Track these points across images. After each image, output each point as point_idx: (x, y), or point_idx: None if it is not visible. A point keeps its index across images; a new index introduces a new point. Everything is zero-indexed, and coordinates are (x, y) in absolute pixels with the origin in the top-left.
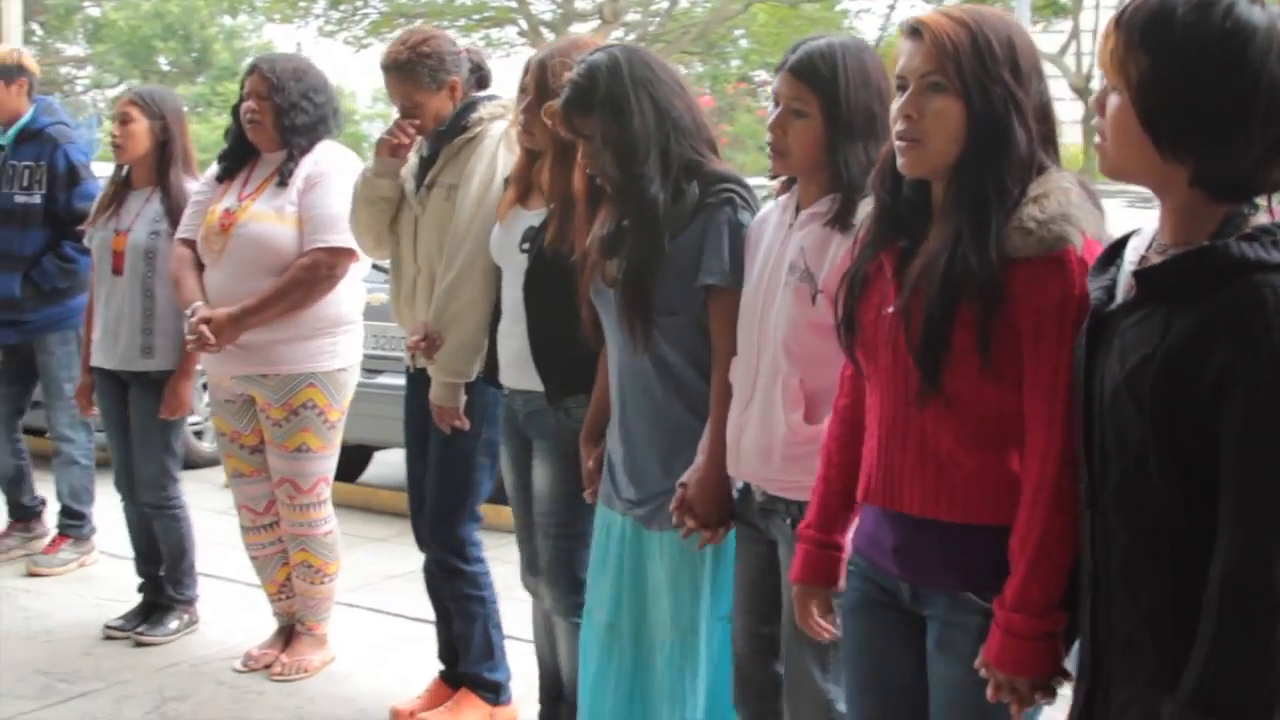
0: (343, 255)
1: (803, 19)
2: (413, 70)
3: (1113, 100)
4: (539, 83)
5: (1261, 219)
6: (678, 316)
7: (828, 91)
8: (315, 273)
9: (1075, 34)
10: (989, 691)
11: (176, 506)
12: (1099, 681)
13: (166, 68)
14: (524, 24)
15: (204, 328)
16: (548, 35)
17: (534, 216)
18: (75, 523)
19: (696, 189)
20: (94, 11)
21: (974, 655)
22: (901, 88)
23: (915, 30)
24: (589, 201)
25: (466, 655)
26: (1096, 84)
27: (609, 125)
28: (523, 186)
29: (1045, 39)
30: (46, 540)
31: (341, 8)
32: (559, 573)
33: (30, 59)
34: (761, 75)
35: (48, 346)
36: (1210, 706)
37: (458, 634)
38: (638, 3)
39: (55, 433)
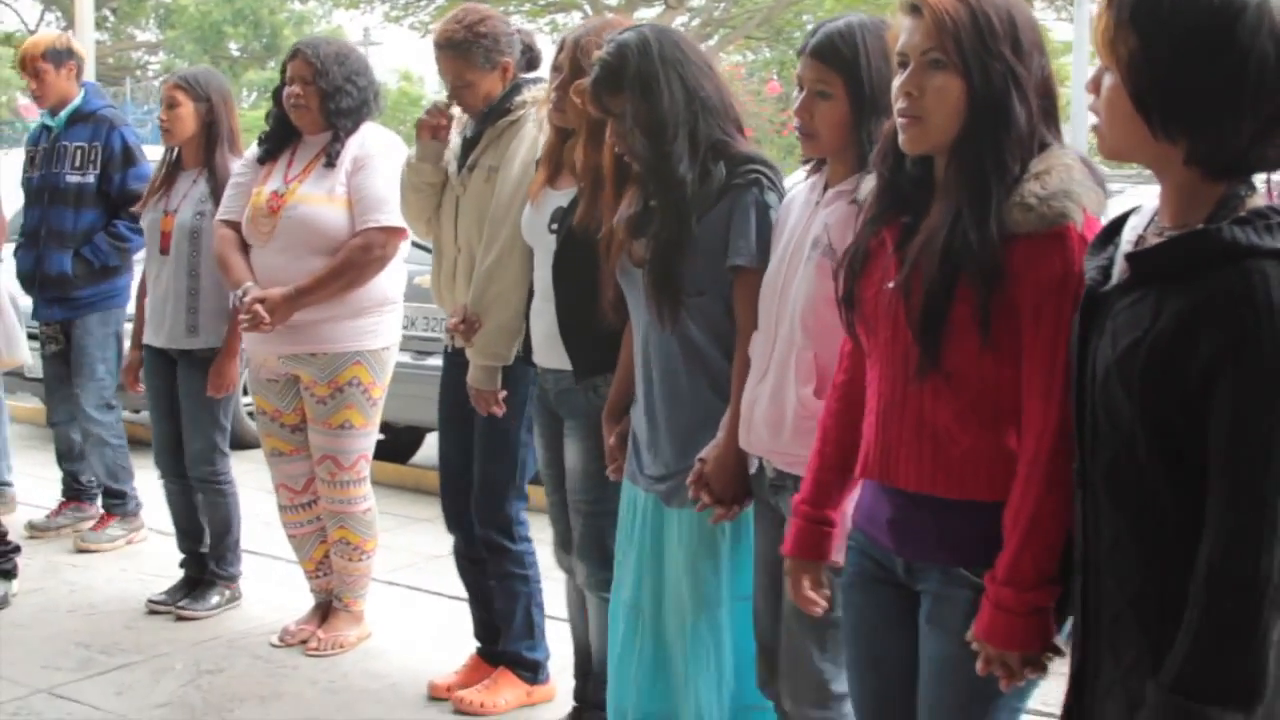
0: (395, 234)
1: (869, 3)
2: (468, 49)
3: (1106, 80)
4: (573, 61)
5: (1258, 201)
6: (704, 296)
7: (850, 71)
8: (369, 253)
9: None
10: (979, 665)
11: (224, 482)
12: (1087, 658)
13: (236, 53)
14: (589, 9)
15: (259, 307)
16: None
17: (562, 197)
18: (118, 501)
19: (723, 169)
20: None
21: (963, 628)
22: (902, 65)
23: (915, 8)
24: (616, 181)
25: (508, 633)
26: None
27: (639, 104)
28: (552, 166)
29: None
30: (95, 521)
31: None
32: (589, 548)
33: (78, 43)
34: None
35: (88, 325)
36: (1193, 691)
37: (500, 612)
38: None
39: (83, 414)
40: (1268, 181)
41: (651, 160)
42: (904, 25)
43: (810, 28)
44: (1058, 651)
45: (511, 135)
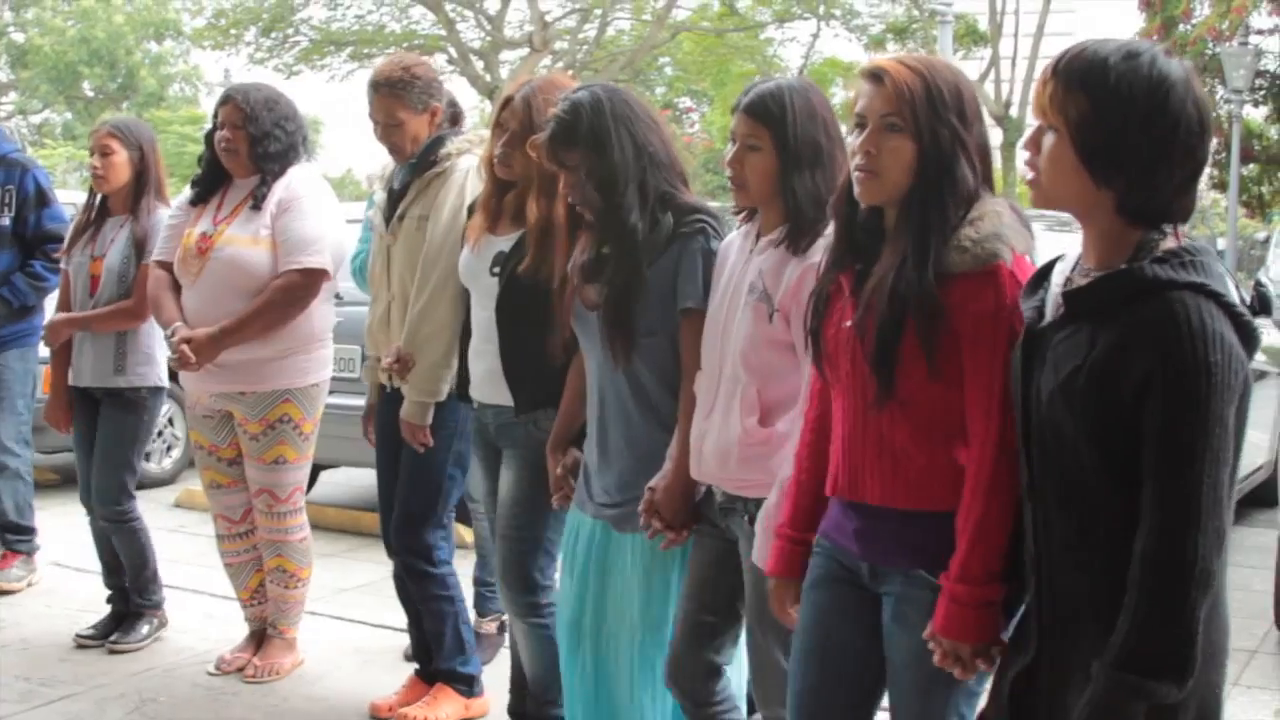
0: (316, 276)
1: (728, 47)
2: (404, 89)
3: (1049, 138)
4: (523, 118)
5: (1170, 243)
6: (655, 337)
7: (777, 127)
8: (290, 294)
9: (994, 61)
10: (936, 657)
11: (132, 518)
12: (1043, 654)
13: (91, 94)
14: (453, 51)
15: (185, 347)
16: (476, 63)
17: (503, 242)
18: (24, 538)
19: (671, 219)
20: (18, 37)
21: (924, 626)
22: (860, 125)
23: (876, 76)
24: (570, 229)
25: (440, 652)
26: (1015, 110)
27: (591, 158)
28: (492, 214)
29: (965, 66)
30: None
31: (273, 35)
32: (513, 574)
33: None
34: (685, 102)
35: (7, 362)
36: (1133, 667)
37: (430, 633)
38: (566, 31)
39: (1, 446)
40: (1174, 227)
41: (604, 211)
42: (863, 90)
43: (745, 87)
44: (1003, 647)
45: (439, 185)
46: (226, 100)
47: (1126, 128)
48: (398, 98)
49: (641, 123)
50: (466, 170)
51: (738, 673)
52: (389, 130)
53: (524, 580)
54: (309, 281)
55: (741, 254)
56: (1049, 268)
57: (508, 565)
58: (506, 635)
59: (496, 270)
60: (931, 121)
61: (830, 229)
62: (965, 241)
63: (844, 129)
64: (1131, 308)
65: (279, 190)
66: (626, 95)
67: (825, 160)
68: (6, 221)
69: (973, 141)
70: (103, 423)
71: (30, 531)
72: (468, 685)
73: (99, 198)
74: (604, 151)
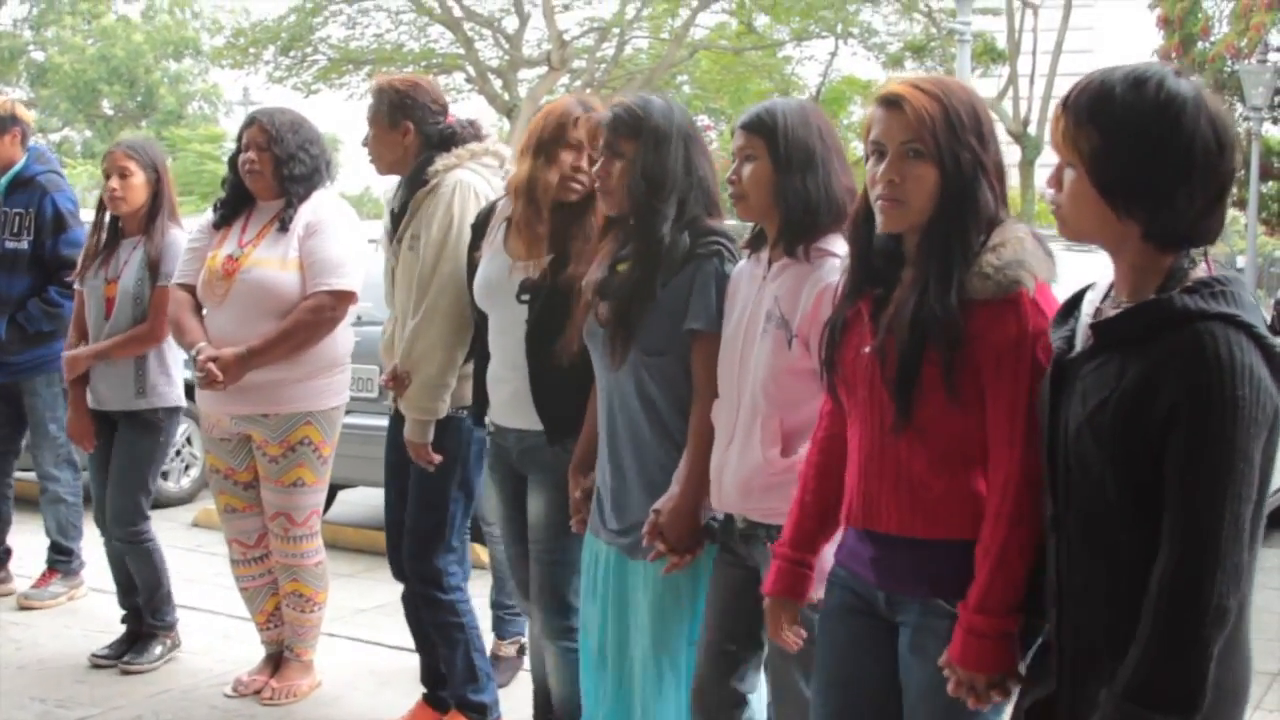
0: (345, 298)
1: (746, 66)
2: (376, 103)
3: (1068, 174)
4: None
5: (1201, 272)
6: (665, 357)
7: (770, 135)
8: (320, 314)
9: (1013, 79)
10: (950, 686)
11: (147, 539)
12: (1062, 686)
13: (111, 112)
14: (471, 70)
15: (212, 366)
16: (494, 81)
17: (532, 267)
18: (63, 558)
19: (688, 239)
20: (38, 55)
21: (942, 656)
22: (877, 153)
23: (893, 102)
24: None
25: (452, 679)
26: (1034, 129)
27: (648, 154)
28: (529, 238)
29: (983, 84)
30: (7, 585)
31: (291, 54)
32: (548, 597)
33: (23, 109)
34: (703, 120)
35: (35, 389)
36: (1140, 699)
37: (442, 659)
38: (584, 50)
39: (42, 471)
40: (1205, 255)
41: (644, 208)
42: (878, 116)
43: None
44: (1019, 679)
45: (429, 203)
46: (251, 123)
47: (1139, 156)
48: (370, 111)
49: (698, 145)
50: (454, 185)
51: (759, 698)
52: (368, 141)
53: (559, 603)
54: (338, 303)
55: (754, 281)
56: (1079, 297)
57: (542, 589)
58: (525, 658)
59: (525, 298)
60: (953, 145)
61: (837, 244)
62: (987, 268)
63: (857, 146)
64: (1160, 339)
65: (306, 213)
66: (693, 118)
67: (819, 164)
68: (25, 245)
69: (990, 162)
70: (119, 444)
71: (70, 553)
72: (480, 713)
73: (109, 218)
74: (662, 152)
